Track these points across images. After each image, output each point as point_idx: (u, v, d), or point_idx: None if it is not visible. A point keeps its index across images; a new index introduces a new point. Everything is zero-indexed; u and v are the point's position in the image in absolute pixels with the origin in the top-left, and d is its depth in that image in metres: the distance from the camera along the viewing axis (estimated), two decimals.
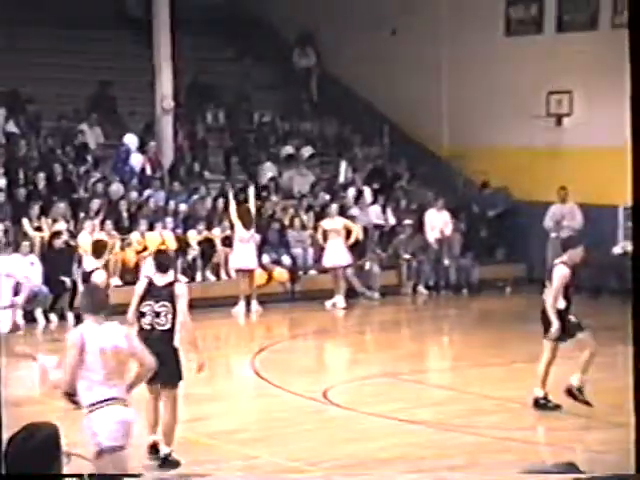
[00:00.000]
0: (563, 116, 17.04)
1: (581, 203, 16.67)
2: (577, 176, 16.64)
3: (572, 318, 9.65)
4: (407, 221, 17.25)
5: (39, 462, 3.19)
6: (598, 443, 8.49)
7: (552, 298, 9.47)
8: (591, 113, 16.52)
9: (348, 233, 15.88)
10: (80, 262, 14.65)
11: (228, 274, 15.76)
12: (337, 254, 15.73)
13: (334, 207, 16.21)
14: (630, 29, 5.04)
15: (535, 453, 7.98)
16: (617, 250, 16.22)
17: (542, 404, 9.44)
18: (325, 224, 15.98)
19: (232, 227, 15.63)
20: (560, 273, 9.51)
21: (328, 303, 15.44)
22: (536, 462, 2.45)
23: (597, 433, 9.01)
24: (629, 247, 16.12)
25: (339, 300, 15.54)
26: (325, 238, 15.86)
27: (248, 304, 15.09)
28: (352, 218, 16.71)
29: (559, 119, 17.10)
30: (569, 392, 9.41)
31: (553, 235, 16.89)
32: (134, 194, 16.36)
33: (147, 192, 16.53)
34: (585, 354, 9.54)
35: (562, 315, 9.48)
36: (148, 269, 14.72)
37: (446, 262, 17.01)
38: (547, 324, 9.66)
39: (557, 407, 9.40)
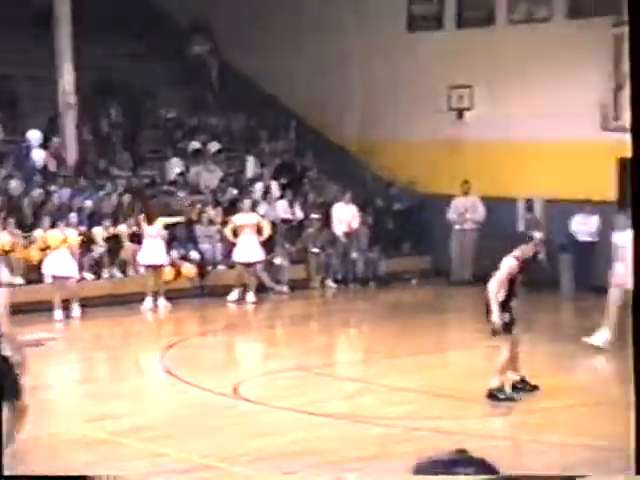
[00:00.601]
0: (464, 110, 17.38)
1: (483, 196, 17.05)
2: (478, 169, 17.02)
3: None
4: (315, 215, 17.36)
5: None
6: (500, 429, 8.73)
7: (495, 288, 9.52)
8: (491, 107, 16.89)
9: (259, 229, 15.90)
10: None
11: (136, 270, 15.61)
12: (250, 250, 15.75)
13: (247, 202, 16.20)
14: (630, 28, 5.18)
15: (443, 442, 8.14)
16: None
17: (520, 387, 9.64)
18: (238, 219, 15.97)
19: (138, 223, 15.50)
20: (507, 264, 9.55)
21: (230, 297, 15.44)
22: (433, 452, 2.53)
23: (503, 420, 9.28)
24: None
25: (249, 295, 15.57)
26: (236, 233, 15.85)
27: (156, 300, 15.00)
28: (260, 213, 16.75)
29: (460, 113, 17.44)
30: (490, 394, 9.56)
31: (457, 227, 17.24)
32: (37, 191, 16.07)
33: (51, 188, 16.25)
34: (502, 354, 9.67)
35: (504, 307, 9.53)
36: (50, 266, 14.53)
37: (354, 255, 17.19)
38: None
39: (535, 388, 9.61)
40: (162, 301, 15.00)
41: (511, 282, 9.53)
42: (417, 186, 18.09)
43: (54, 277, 14.51)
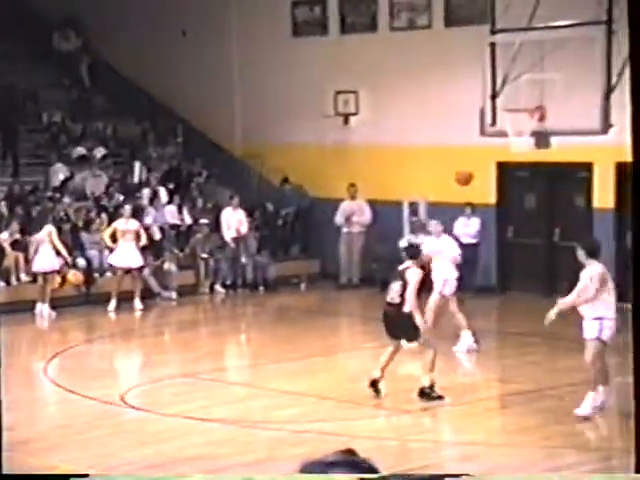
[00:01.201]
0: (350, 115, 17.63)
1: (369, 199, 17.32)
2: (365, 173, 17.29)
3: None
4: (203, 220, 17.33)
5: None
6: (381, 430, 8.93)
7: (411, 300, 9.70)
8: (376, 112, 17.18)
9: (139, 235, 15.77)
10: None
11: (18, 278, 15.31)
12: (128, 255, 15.59)
13: (127, 208, 16.05)
14: (630, 27, 5.32)
15: (330, 444, 8.29)
16: (403, 244, 16.94)
17: (376, 389, 9.84)
18: (118, 225, 15.80)
19: (22, 230, 15.20)
20: (414, 273, 9.80)
21: (110, 307, 15.23)
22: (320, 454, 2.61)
23: (384, 421, 9.49)
24: (413, 240, 16.90)
25: (136, 302, 15.41)
26: (115, 239, 15.67)
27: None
28: (148, 218, 16.61)
29: (346, 118, 17.67)
30: (422, 393, 9.75)
31: (344, 230, 17.47)
32: None
33: None
34: (430, 354, 9.84)
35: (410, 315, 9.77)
36: None
37: (243, 260, 17.22)
38: (391, 324, 9.91)
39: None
40: (46, 309, 14.75)
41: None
42: (305, 190, 18.26)
43: None
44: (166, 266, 16.49)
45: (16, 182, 17.12)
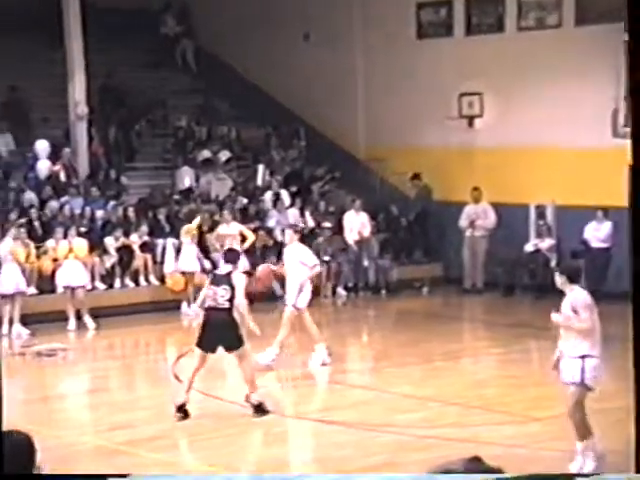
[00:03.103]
0: (475, 117, 17.37)
1: (494, 202, 17.02)
2: (489, 176, 16.99)
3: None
4: (326, 224, 17.37)
5: (11, 471, 3.25)
6: (510, 438, 8.70)
7: (244, 305, 9.39)
8: (502, 114, 16.88)
9: (243, 238, 15.90)
10: None
11: (147, 280, 15.67)
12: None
13: (226, 214, 16.20)
14: (630, 24, 5.17)
15: (455, 450, 8.12)
16: (529, 248, 16.61)
17: (185, 413, 9.33)
18: (221, 230, 16.01)
19: (151, 233, 15.62)
20: (240, 278, 9.49)
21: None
22: (446, 460, 2.50)
23: (512, 428, 9.24)
24: (540, 244, 16.53)
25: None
26: (222, 244, 15.84)
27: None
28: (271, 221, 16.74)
29: (471, 120, 17.43)
30: (257, 408, 9.35)
31: (468, 234, 17.22)
32: (50, 202, 16.17)
33: (63, 199, 16.33)
34: (246, 371, 9.46)
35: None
36: (62, 277, 14.60)
37: (365, 263, 17.18)
38: (211, 331, 9.37)
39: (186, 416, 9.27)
40: (193, 308, 14.86)
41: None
42: (429, 193, 18.08)
43: (66, 287, 14.56)
44: None
45: (146, 185, 17.56)
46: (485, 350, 12.89)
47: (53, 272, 14.87)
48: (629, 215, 5.36)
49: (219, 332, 9.35)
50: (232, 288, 9.35)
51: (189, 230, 15.77)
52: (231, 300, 9.34)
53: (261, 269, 12.68)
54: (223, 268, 9.72)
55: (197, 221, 16.12)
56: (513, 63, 16.62)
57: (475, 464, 2.53)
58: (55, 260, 14.89)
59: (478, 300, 16.68)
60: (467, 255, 17.24)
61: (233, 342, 9.34)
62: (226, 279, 9.45)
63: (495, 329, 13.66)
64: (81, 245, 14.85)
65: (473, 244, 17.20)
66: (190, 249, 15.64)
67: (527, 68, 16.37)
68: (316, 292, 16.75)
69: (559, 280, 7.87)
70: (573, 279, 7.90)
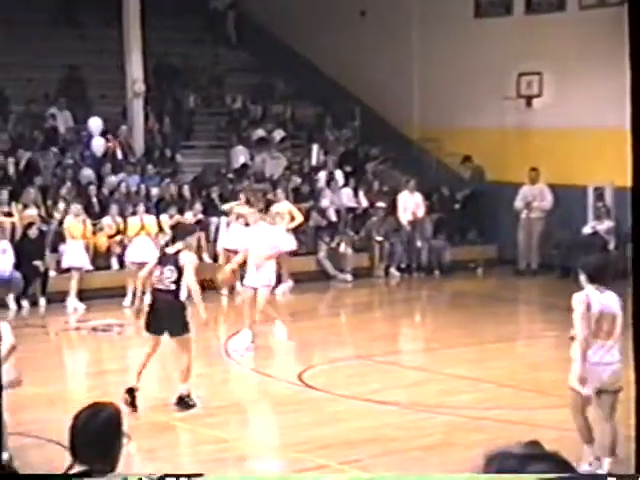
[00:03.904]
0: (533, 97, 17.12)
1: (551, 184, 16.79)
2: (547, 157, 16.75)
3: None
4: (379, 203, 17.29)
5: (102, 441, 3.43)
6: (564, 421, 8.59)
7: (195, 288, 8.68)
8: (561, 94, 16.61)
9: (292, 217, 15.83)
10: (55, 247, 14.64)
11: (201, 258, 15.75)
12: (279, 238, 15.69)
13: (279, 192, 16.15)
14: (630, 11, 5.06)
15: (509, 432, 8.05)
16: (587, 230, 16.37)
17: (133, 400, 8.78)
18: (274, 208, 15.97)
19: (204, 211, 15.66)
20: (190, 259, 8.73)
21: (278, 290, 15.36)
22: (505, 443, 2.46)
23: (567, 412, 9.12)
24: (598, 227, 16.27)
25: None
26: (273, 222, 15.80)
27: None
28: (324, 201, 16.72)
29: (529, 100, 17.18)
30: (180, 400, 8.87)
31: (524, 216, 17.02)
32: (107, 178, 16.32)
33: (120, 176, 16.47)
34: (183, 360, 8.86)
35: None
36: (133, 253, 14.75)
37: (418, 244, 17.09)
38: (158, 314, 8.77)
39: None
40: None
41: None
42: (481, 174, 17.90)
43: (134, 264, 14.66)
44: (341, 248, 16.57)
45: (200, 164, 17.64)
46: (540, 332, 12.76)
47: (108, 249, 15.04)
48: (632, 201, 5.17)
49: (164, 315, 8.73)
50: (179, 269, 8.64)
51: (230, 209, 15.70)
52: (177, 282, 8.65)
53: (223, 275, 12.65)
54: (172, 247, 8.92)
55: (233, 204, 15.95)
56: (574, 42, 16.33)
57: (533, 448, 2.47)
58: (111, 237, 15.05)
59: (533, 282, 16.51)
60: (522, 236, 17.05)
61: (177, 328, 8.69)
62: (173, 259, 8.72)
63: (550, 311, 13.48)
64: (151, 222, 15.00)
65: (529, 225, 17.00)
66: (235, 227, 15.49)
67: (588, 47, 16.07)
68: (369, 272, 16.77)
69: (581, 277, 7.26)
70: (593, 278, 7.16)
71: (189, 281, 8.63)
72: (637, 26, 4.96)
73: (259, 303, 11.24)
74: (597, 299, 7.21)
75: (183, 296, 8.80)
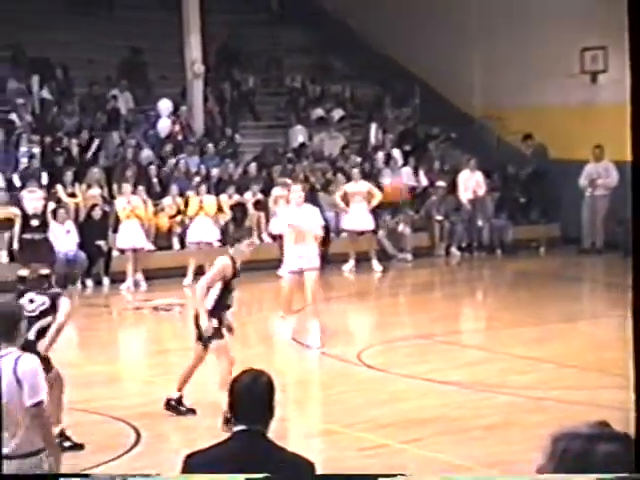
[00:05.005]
0: (598, 73, 16.78)
1: (616, 161, 16.46)
2: (612, 134, 16.39)
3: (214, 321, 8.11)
4: (440, 183, 17.15)
5: (263, 403, 3.67)
6: (629, 402, 8.42)
7: (204, 288, 8.01)
8: (626, 69, 16.24)
9: (370, 197, 15.80)
10: (116, 228, 14.81)
11: (260, 238, 15.79)
12: (360, 218, 15.69)
13: (356, 171, 16.12)
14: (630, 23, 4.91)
15: (571, 412, 7.93)
16: None
17: (174, 406, 8.33)
18: (348, 187, 15.93)
19: (263, 191, 15.70)
20: (221, 263, 8.11)
21: (345, 267, 15.39)
22: (568, 423, 2.39)
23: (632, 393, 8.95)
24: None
25: (374, 264, 15.50)
26: (347, 202, 15.79)
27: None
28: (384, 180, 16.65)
29: (594, 76, 16.85)
30: (170, 403, 8.34)
31: (588, 194, 16.73)
32: (168, 159, 16.46)
33: (180, 157, 16.59)
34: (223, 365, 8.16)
35: (213, 312, 8.08)
36: (193, 233, 14.86)
37: (479, 223, 16.92)
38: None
39: (191, 411, 8.33)
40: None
41: (226, 284, 8.06)
42: (544, 152, 17.62)
43: (197, 243, 14.79)
44: (401, 228, 16.48)
45: (260, 144, 17.68)
46: (604, 312, 12.55)
47: (169, 229, 15.16)
48: (632, 217, 4.97)
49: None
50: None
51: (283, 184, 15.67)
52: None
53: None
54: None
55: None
56: None
57: (602, 428, 2.38)
58: (172, 217, 15.17)
59: (597, 260, 16.24)
60: (587, 214, 16.77)
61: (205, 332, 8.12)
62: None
63: (615, 290, 13.25)
64: (211, 202, 15.09)
65: (593, 203, 16.71)
66: (280, 211, 15.38)
67: None
68: (429, 252, 16.66)
69: None
70: None
71: (201, 282, 8.20)
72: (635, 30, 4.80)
73: (310, 286, 10.97)
74: None
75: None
